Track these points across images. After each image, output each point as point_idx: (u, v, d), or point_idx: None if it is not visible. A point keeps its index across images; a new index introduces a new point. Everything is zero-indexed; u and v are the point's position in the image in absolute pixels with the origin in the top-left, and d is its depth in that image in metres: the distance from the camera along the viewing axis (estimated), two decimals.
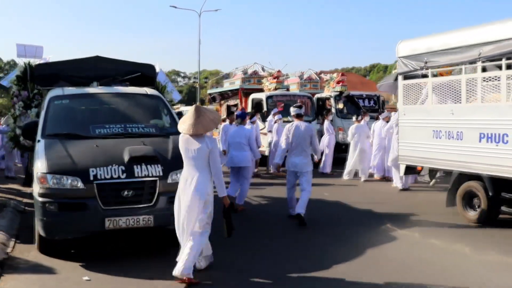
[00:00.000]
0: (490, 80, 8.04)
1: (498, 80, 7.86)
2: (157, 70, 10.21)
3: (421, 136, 9.28)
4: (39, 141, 7.11)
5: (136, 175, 6.51)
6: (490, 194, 8.14)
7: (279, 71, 19.08)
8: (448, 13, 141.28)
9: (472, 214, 8.58)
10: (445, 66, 8.96)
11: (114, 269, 6.14)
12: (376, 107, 18.89)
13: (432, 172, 9.93)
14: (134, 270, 6.10)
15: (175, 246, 6.12)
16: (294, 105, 9.35)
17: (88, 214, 6.32)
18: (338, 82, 19.33)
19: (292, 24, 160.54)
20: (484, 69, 8.38)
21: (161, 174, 6.60)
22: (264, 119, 16.29)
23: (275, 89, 18.52)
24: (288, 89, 19.88)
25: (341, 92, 18.83)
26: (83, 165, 6.49)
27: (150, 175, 6.56)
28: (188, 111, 6.20)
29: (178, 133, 7.67)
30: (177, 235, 5.96)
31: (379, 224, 8.56)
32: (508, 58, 7.74)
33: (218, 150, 6.10)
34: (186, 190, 5.80)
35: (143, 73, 9.45)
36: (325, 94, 19.38)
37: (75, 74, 9.16)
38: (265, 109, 17.09)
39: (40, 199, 6.40)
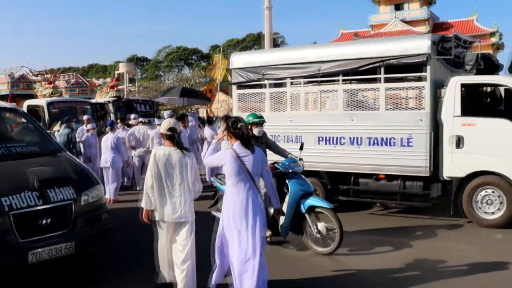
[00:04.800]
0: (327, 92, 9.59)
1: (336, 91, 9.47)
2: None
3: None
4: None
5: (51, 200, 5.99)
6: (329, 187, 9.70)
7: (55, 75, 18.00)
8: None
9: None
10: (284, 79, 10.15)
11: None
12: (151, 112, 19.41)
13: None
14: None
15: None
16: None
17: (7, 250, 5.56)
18: (112, 87, 19.21)
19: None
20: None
21: (74, 196, 6.22)
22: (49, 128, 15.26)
23: (51, 94, 17.47)
24: (61, 94, 18.87)
25: (118, 97, 18.74)
26: None
27: (65, 198, 6.13)
28: None
29: (61, 150, 7.29)
30: None
31: None
32: (344, 75, 9.39)
33: None
34: None
35: None
36: (101, 99, 19.01)
37: None
38: (46, 117, 16.02)
39: None
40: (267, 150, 7.63)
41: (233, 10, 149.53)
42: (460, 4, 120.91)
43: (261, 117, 7.55)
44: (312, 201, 7.12)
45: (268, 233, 7.01)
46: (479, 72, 10.42)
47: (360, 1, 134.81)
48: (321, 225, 7.02)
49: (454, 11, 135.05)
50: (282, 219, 7.09)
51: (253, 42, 77.08)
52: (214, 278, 5.57)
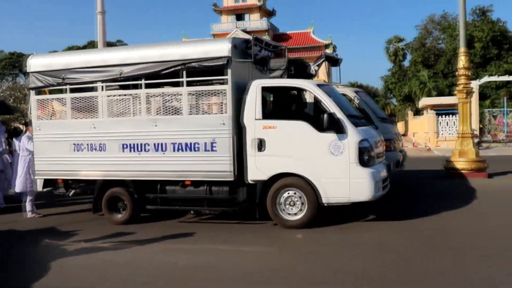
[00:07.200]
0: (131, 96, 9.15)
1: (139, 97, 9.08)
2: None
3: (60, 150, 9.60)
4: None
5: None
6: (136, 196, 9.26)
7: None
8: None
9: (119, 217, 9.51)
10: (85, 83, 9.51)
11: None
12: None
13: (68, 183, 10.30)
14: None
15: None
16: None
17: None
18: None
19: None
20: (125, 87, 9.43)
21: None
22: None
23: None
24: None
25: None
26: None
27: None
28: None
29: None
30: None
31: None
32: (146, 78, 9.01)
33: None
34: None
35: None
36: None
37: None
38: None
39: None
40: None
41: (74, 15, 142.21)
42: (298, 17, 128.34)
43: None
44: None
45: None
46: (292, 76, 10.70)
47: (204, 9, 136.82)
48: None
49: (292, 23, 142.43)
50: None
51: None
52: None
